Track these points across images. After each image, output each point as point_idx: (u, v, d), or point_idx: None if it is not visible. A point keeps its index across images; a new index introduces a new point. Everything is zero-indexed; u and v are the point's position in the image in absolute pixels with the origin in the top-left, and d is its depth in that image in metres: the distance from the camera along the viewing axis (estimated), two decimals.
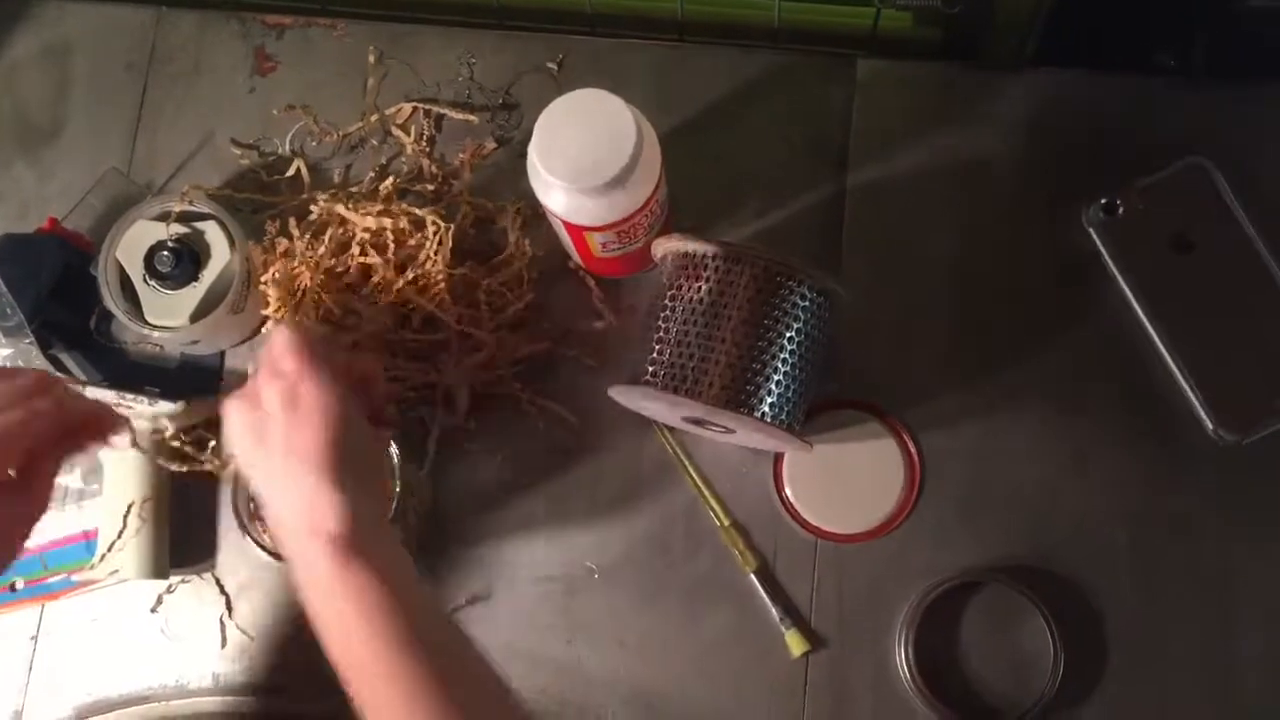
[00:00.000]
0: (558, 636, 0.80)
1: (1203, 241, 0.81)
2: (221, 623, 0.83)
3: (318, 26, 0.92)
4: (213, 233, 0.82)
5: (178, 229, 0.81)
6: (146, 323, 0.80)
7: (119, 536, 0.79)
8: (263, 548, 0.74)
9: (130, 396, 0.79)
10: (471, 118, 0.88)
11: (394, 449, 0.73)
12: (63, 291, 0.83)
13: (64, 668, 0.83)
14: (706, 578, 0.80)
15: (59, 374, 0.83)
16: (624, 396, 0.77)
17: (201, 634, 0.83)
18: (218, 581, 0.83)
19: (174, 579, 0.83)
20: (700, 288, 0.73)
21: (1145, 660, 0.77)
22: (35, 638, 0.83)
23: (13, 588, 0.83)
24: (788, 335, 0.72)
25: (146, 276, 0.80)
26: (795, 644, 0.78)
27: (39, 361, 0.82)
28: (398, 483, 0.73)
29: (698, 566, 0.81)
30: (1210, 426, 0.79)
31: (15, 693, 0.82)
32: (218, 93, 0.91)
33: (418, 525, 0.80)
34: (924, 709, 0.77)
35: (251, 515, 0.75)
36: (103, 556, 0.79)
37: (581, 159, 0.71)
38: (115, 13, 0.94)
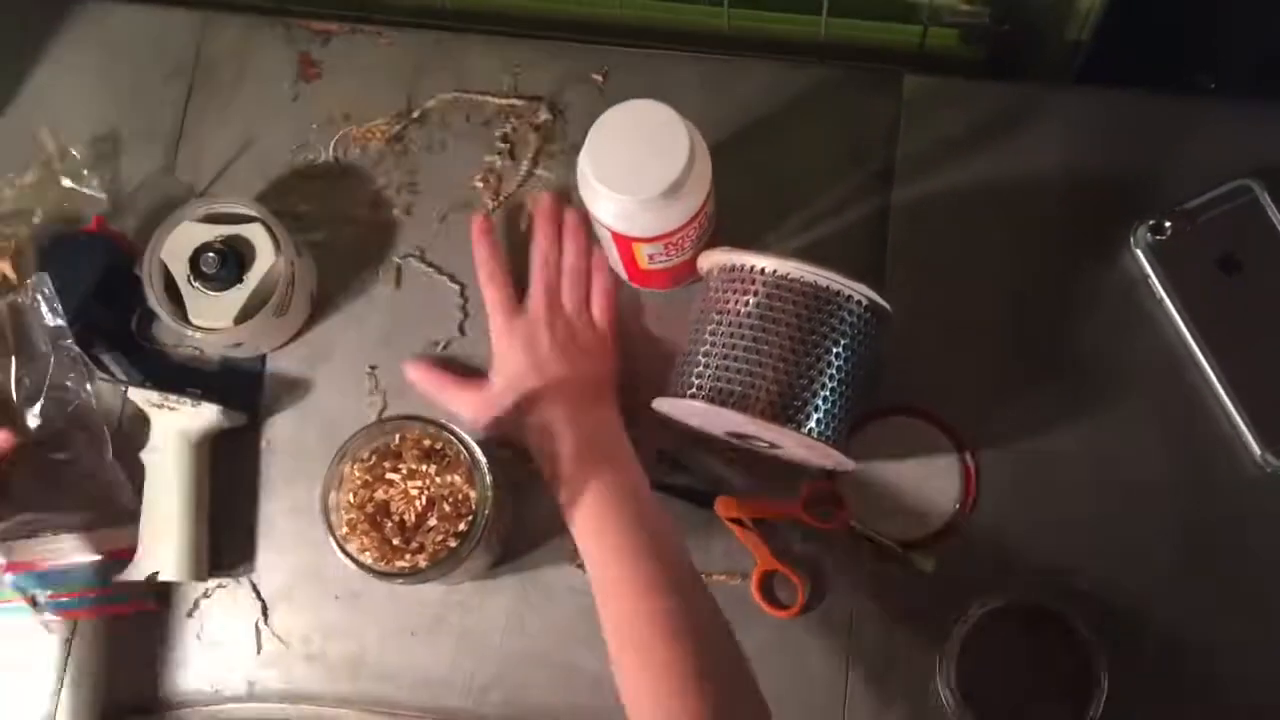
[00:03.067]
0: (594, 651, 0.80)
1: (1250, 262, 0.81)
2: (257, 628, 0.82)
3: (363, 34, 0.92)
4: (258, 235, 0.82)
5: (223, 231, 0.81)
6: (190, 324, 0.80)
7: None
8: (352, 559, 0.72)
9: (174, 398, 0.79)
10: (515, 101, 0.88)
11: (484, 463, 0.72)
12: (105, 292, 0.83)
13: (98, 673, 0.82)
14: (743, 599, 0.80)
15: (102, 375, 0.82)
16: (669, 408, 0.76)
17: (237, 640, 0.82)
18: (254, 586, 0.83)
19: (211, 583, 0.83)
20: (748, 301, 0.72)
21: (1193, 685, 0.77)
22: (70, 639, 0.83)
23: (34, 601, 0.83)
24: (835, 350, 0.72)
25: (191, 278, 0.80)
26: None
27: (77, 363, 0.82)
28: (489, 498, 0.72)
29: (740, 586, 0.80)
30: (1257, 451, 0.78)
31: (47, 697, 0.82)
32: (261, 98, 0.91)
33: (499, 544, 0.80)
34: None
35: (342, 527, 0.74)
36: (141, 558, 0.79)
37: (634, 170, 0.70)
38: (161, 16, 0.94)
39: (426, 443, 0.75)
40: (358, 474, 0.74)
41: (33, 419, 0.82)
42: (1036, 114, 0.86)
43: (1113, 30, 0.88)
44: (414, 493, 0.73)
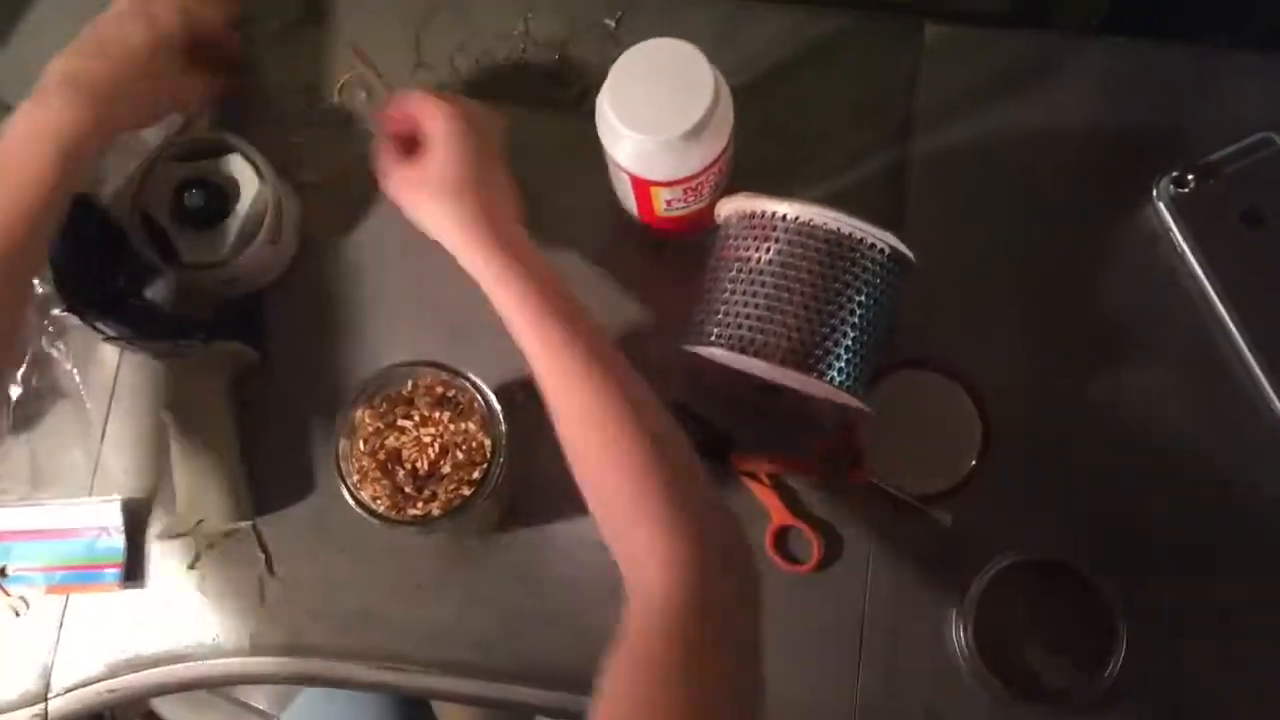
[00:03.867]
0: (604, 608, 0.78)
1: (1273, 216, 0.80)
2: (260, 580, 0.81)
3: None
4: (237, 166, 0.79)
5: (201, 166, 0.79)
6: (183, 265, 0.78)
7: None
8: (365, 507, 0.70)
9: (184, 343, 0.77)
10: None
11: (499, 410, 0.71)
12: (90, 255, 0.79)
13: (97, 624, 0.81)
14: (758, 550, 0.79)
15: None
16: (694, 355, 0.75)
17: (240, 592, 0.81)
18: (259, 537, 0.81)
19: (215, 534, 0.81)
20: (769, 248, 0.71)
21: (1212, 644, 0.76)
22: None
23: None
24: (858, 299, 0.71)
25: (176, 218, 0.78)
26: None
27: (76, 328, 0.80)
28: (503, 446, 0.71)
29: (755, 541, 0.79)
30: (1279, 406, 0.77)
31: (45, 650, 0.80)
32: (265, 36, 0.88)
33: (509, 495, 0.79)
34: (981, 684, 0.75)
35: (354, 475, 0.72)
36: (184, 509, 0.78)
37: (656, 110, 0.69)
38: None
39: (439, 389, 0.73)
40: (369, 421, 0.72)
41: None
42: (1058, 65, 0.85)
43: None
44: (427, 440, 0.72)
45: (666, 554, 0.60)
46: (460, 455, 0.72)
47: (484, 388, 0.71)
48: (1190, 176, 0.80)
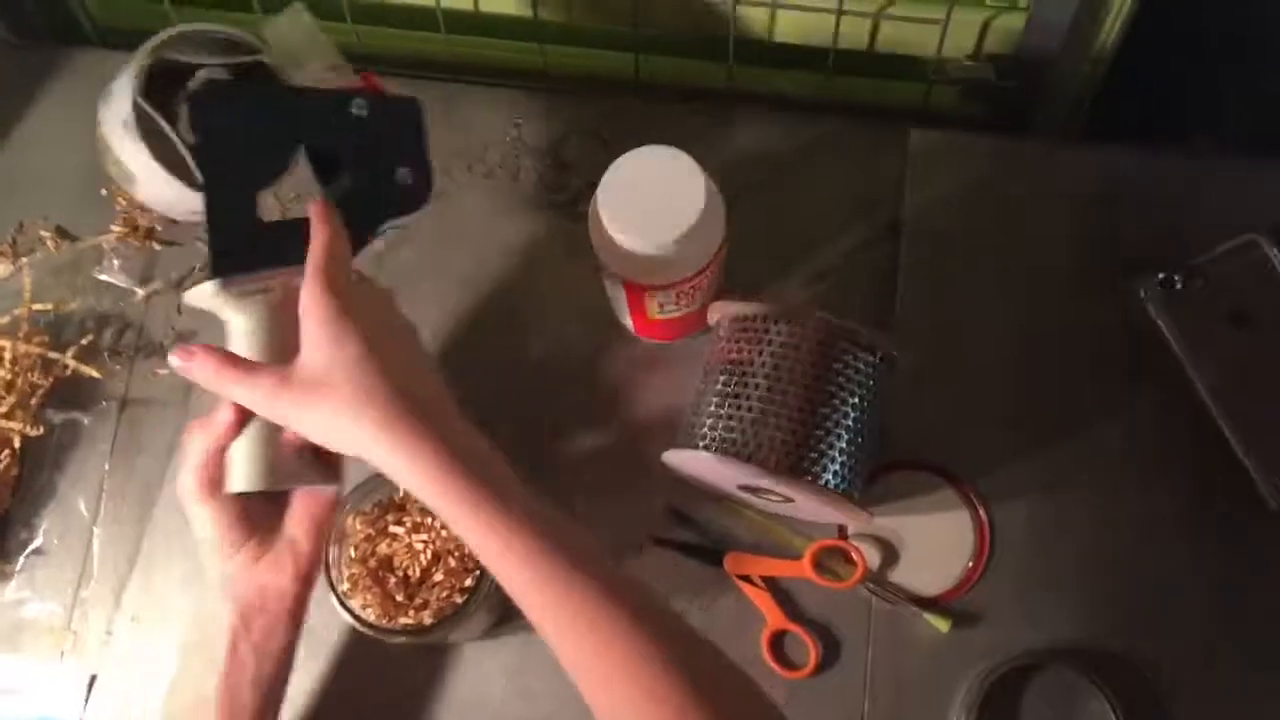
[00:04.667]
0: None
1: (1260, 316, 0.81)
2: None
3: None
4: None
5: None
6: None
7: None
8: (355, 616, 0.68)
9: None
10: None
11: None
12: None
13: None
14: (754, 660, 0.77)
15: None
16: (678, 461, 0.75)
17: None
18: None
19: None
20: (760, 351, 0.71)
21: None
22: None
23: None
24: (851, 401, 0.71)
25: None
26: None
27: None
28: None
29: (751, 646, 0.78)
30: (1272, 504, 0.77)
31: None
32: None
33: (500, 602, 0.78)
34: None
35: (344, 583, 0.71)
36: None
37: (648, 216, 0.69)
38: None
39: None
40: (360, 527, 0.71)
41: None
42: (1044, 168, 0.86)
43: (1117, 89, 0.88)
44: (419, 547, 0.71)
45: None
46: (453, 561, 0.71)
47: None
48: (1178, 278, 0.81)
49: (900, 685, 0.77)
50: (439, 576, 0.71)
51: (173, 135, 0.69)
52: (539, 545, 0.54)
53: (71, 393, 0.85)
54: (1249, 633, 0.76)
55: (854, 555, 0.77)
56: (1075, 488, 0.80)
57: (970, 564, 0.78)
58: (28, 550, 0.83)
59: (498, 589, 0.69)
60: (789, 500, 0.75)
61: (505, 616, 0.79)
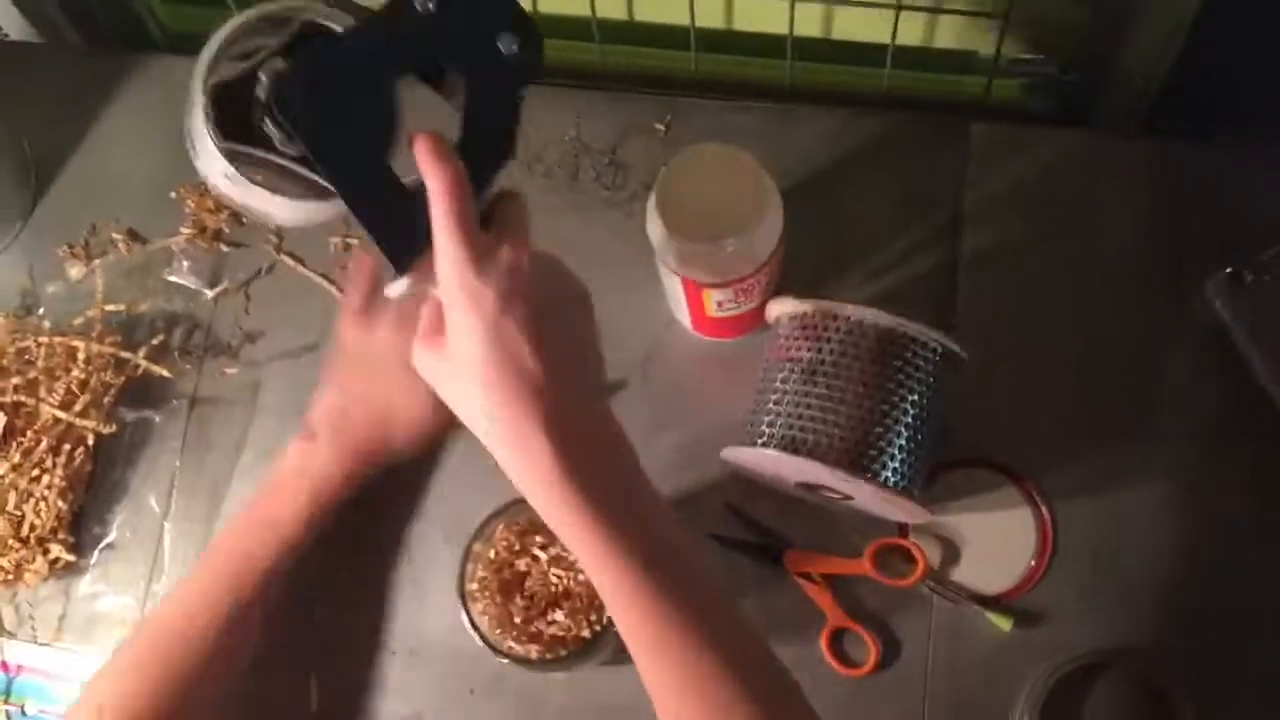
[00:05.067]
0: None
1: None
2: (309, 689, 0.80)
3: None
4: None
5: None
6: None
7: None
8: (472, 623, 0.70)
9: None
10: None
11: None
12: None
13: None
14: (813, 657, 0.77)
15: None
16: (739, 458, 0.75)
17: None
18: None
19: None
20: (820, 349, 0.71)
21: None
22: None
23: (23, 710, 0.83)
24: (910, 399, 0.70)
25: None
26: None
27: None
28: None
29: (811, 643, 0.78)
30: None
31: None
32: None
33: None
34: None
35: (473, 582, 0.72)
36: None
37: (707, 213, 0.70)
38: None
39: None
40: (504, 535, 0.73)
41: None
42: (1106, 163, 0.85)
43: (1182, 81, 0.87)
44: (554, 579, 0.72)
45: None
46: (579, 604, 0.72)
47: None
48: (1247, 273, 0.79)
49: (961, 685, 0.76)
50: (559, 616, 0.71)
51: (279, 160, 0.57)
52: (641, 578, 0.52)
53: (143, 392, 0.87)
54: None
55: (915, 553, 0.77)
56: (1140, 486, 0.78)
57: (1033, 562, 0.77)
58: (101, 545, 0.85)
59: (604, 649, 0.70)
60: (849, 498, 0.74)
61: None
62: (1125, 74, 0.86)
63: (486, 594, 0.72)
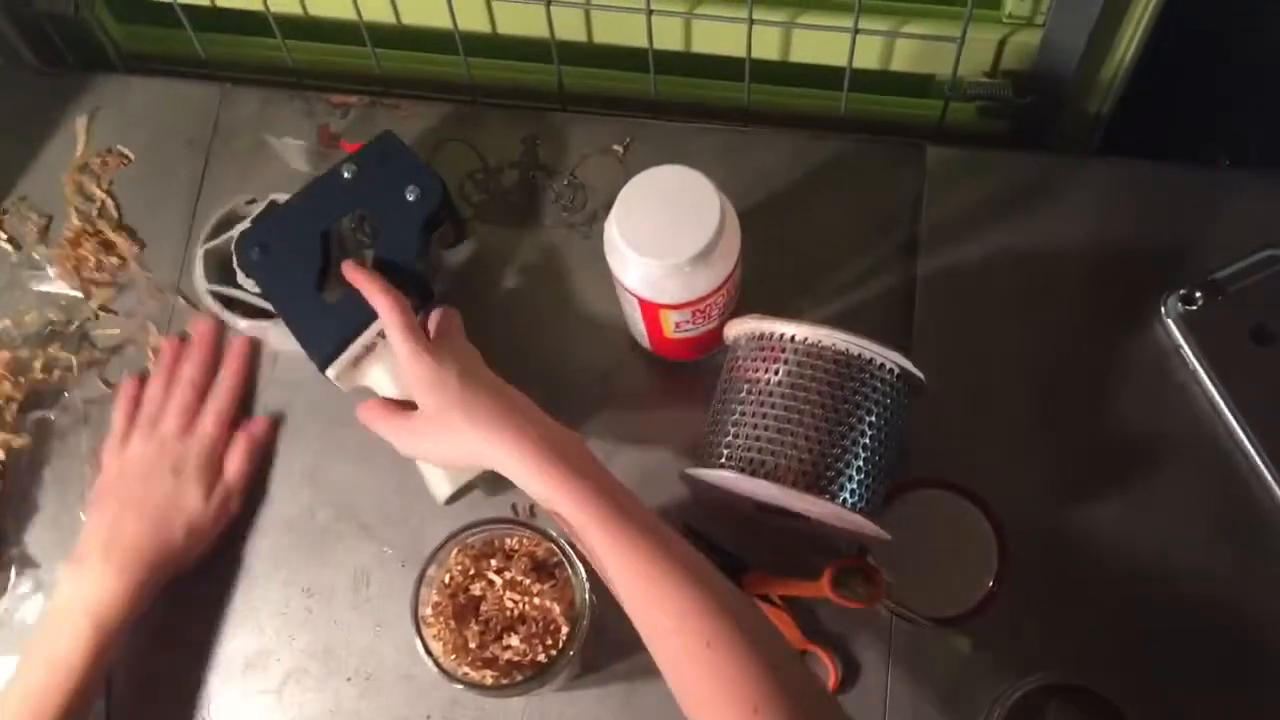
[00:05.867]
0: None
1: None
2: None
3: (382, 106, 0.92)
4: None
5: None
6: None
7: None
8: (424, 644, 0.69)
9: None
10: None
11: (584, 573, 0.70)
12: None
13: None
14: None
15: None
16: (697, 479, 0.74)
17: None
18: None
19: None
20: (778, 370, 0.71)
21: None
22: None
23: None
24: (868, 420, 0.70)
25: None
26: None
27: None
28: (587, 604, 0.70)
29: None
30: None
31: None
32: (280, 169, 0.90)
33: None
34: None
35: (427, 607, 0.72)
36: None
37: (664, 235, 0.69)
38: (180, 89, 0.94)
39: (540, 553, 0.73)
40: (459, 560, 0.72)
41: None
42: (1061, 184, 0.86)
43: (1132, 104, 0.88)
44: (509, 603, 0.71)
45: None
46: (534, 629, 0.71)
47: (583, 577, 0.70)
48: (1198, 294, 0.80)
49: (920, 706, 0.76)
50: (514, 641, 0.70)
51: (245, 297, 0.84)
52: (611, 512, 0.63)
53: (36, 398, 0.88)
54: (1272, 654, 0.75)
55: (873, 575, 0.77)
56: (1096, 507, 0.79)
57: (991, 583, 0.77)
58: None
59: (560, 674, 0.69)
60: (807, 519, 0.74)
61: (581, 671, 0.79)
62: (1079, 96, 0.87)
63: (441, 619, 0.71)
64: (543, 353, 0.84)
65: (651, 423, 0.83)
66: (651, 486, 0.80)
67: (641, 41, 0.88)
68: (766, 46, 0.89)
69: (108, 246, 0.91)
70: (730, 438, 0.71)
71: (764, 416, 0.70)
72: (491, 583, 0.72)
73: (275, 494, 0.84)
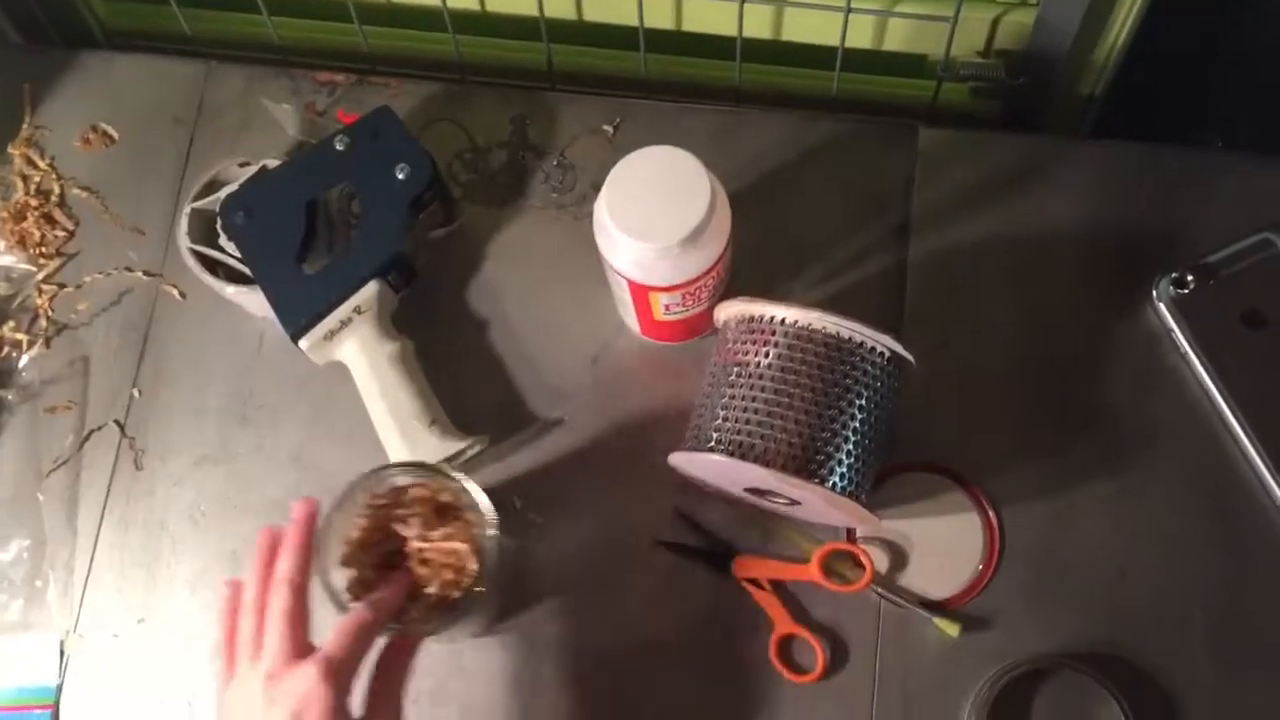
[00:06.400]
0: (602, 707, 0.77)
1: (1275, 317, 0.79)
2: None
3: (370, 84, 0.91)
4: None
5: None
6: None
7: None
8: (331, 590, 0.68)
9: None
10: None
11: (493, 535, 0.69)
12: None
13: None
14: (761, 664, 0.77)
15: None
16: (686, 463, 0.74)
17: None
18: None
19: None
20: (768, 353, 0.71)
21: None
22: None
23: None
24: (858, 403, 0.70)
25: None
26: None
27: None
28: (493, 539, 0.69)
29: (759, 650, 0.77)
30: None
31: None
32: (265, 147, 0.89)
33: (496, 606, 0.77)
34: None
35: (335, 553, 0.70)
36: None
37: (654, 216, 0.69)
38: (165, 66, 0.93)
39: (445, 497, 0.71)
40: (367, 513, 0.71)
41: None
42: (1054, 166, 0.85)
43: (1125, 85, 0.88)
44: (417, 548, 0.70)
45: None
46: (447, 573, 0.70)
47: (489, 509, 0.69)
48: (1190, 277, 0.80)
49: (909, 689, 0.76)
50: (428, 582, 0.69)
51: (228, 260, 0.83)
52: None
53: None
54: (1261, 638, 0.76)
55: (862, 559, 0.77)
56: (1086, 491, 0.79)
57: (980, 567, 0.77)
58: None
59: (471, 613, 0.69)
60: (796, 503, 0.74)
61: (500, 618, 0.79)
62: (1072, 77, 0.86)
63: (355, 566, 0.70)
64: (531, 335, 0.84)
65: (640, 406, 0.82)
66: (640, 472, 0.80)
67: (632, 20, 0.87)
68: (758, 25, 0.88)
69: (49, 220, 0.90)
70: (720, 421, 0.71)
71: (753, 400, 0.70)
72: (398, 533, 0.71)
73: (262, 476, 0.83)
